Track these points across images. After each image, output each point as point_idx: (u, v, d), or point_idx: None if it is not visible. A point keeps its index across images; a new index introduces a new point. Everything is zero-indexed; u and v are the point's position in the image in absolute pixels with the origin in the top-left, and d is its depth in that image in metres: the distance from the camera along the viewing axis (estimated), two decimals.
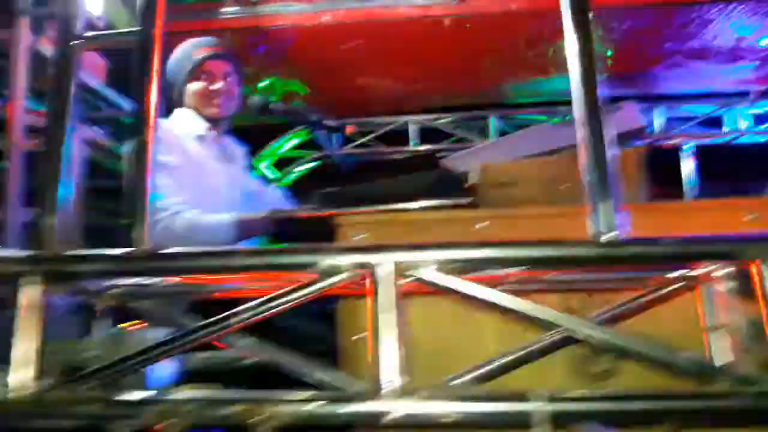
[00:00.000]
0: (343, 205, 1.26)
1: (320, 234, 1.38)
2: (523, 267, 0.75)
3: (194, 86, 2.01)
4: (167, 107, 2.27)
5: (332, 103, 3.58)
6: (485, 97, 3.70)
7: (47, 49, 2.43)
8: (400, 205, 1.25)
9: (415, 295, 1.01)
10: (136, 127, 0.77)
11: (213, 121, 2.05)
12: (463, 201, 1.25)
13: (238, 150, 2.20)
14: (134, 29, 0.80)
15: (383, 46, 3.03)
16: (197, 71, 2.01)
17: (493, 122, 3.75)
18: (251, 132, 2.71)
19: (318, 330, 1.55)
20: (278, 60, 3.04)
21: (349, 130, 1.98)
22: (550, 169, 1.34)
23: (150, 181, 0.75)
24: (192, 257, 0.70)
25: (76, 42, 0.79)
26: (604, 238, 0.69)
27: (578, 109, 0.79)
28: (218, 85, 2.02)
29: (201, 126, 2.00)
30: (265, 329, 0.78)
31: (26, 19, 2.35)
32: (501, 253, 0.71)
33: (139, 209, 0.72)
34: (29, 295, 0.72)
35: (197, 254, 0.70)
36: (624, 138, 1.54)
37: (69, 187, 0.78)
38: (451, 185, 1.34)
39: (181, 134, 1.95)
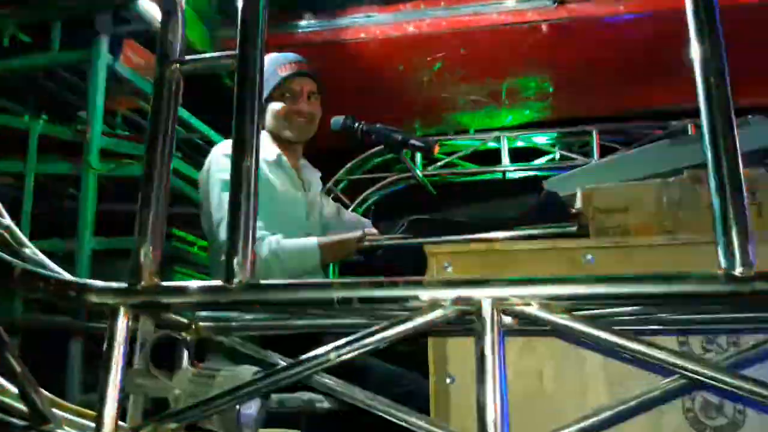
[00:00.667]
0: (434, 233, 1.30)
1: (409, 263, 1.43)
2: (639, 305, 0.76)
3: (276, 106, 2.11)
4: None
5: (416, 120, 3.67)
6: (589, 110, 3.68)
7: (125, 69, 2.63)
8: (497, 234, 1.28)
9: (515, 335, 1.04)
10: (236, 154, 0.86)
11: (289, 145, 2.16)
12: (568, 229, 1.27)
13: (313, 175, 2.30)
14: (233, 52, 0.88)
15: (473, 57, 3.10)
16: (280, 90, 2.11)
17: (595, 138, 3.71)
18: (323, 153, 2.84)
19: (396, 370, 1.59)
20: (358, 74, 3.17)
21: (435, 149, 2.03)
22: (669, 193, 1.33)
23: (253, 208, 0.83)
24: (290, 289, 0.77)
25: (176, 65, 0.88)
26: (737, 272, 0.69)
27: (706, 121, 0.79)
28: (302, 105, 2.12)
29: (273, 151, 2.11)
30: (339, 368, 0.83)
31: (105, 38, 2.52)
32: (614, 288, 0.73)
33: (237, 237, 0.79)
34: (123, 328, 0.80)
35: (296, 286, 0.77)
36: (752, 157, 1.50)
37: (164, 216, 0.87)
38: (554, 211, 1.35)
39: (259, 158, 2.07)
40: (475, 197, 1.41)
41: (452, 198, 3.24)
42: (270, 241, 1.85)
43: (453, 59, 3.13)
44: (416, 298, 0.73)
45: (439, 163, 3.85)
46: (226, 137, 2.79)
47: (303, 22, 2.95)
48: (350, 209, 3.64)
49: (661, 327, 1.00)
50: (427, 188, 2.36)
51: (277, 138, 2.15)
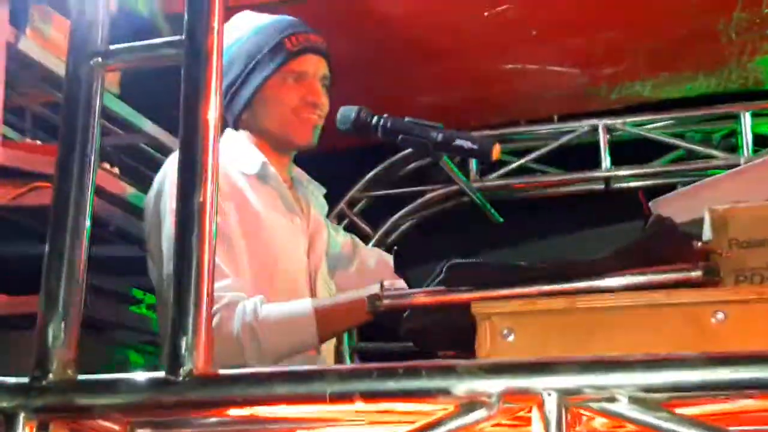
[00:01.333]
0: (487, 283, 1.31)
1: (449, 330, 1.44)
2: None
3: (279, 93, 2.15)
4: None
5: (468, 106, 3.70)
6: (723, 83, 3.66)
7: (33, 47, 2.70)
8: (580, 284, 1.29)
9: None
10: (184, 184, 0.90)
11: (281, 151, 2.20)
12: (690, 274, 1.27)
13: (314, 192, 2.33)
14: (177, 38, 0.92)
15: (547, 11, 3.11)
16: (285, 70, 2.15)
17: (745, 123, 3.68)
18: (331, 157, 2.87)
19: None
20: (379, 41, 3.20)
21: (495, 151, 2.05)
22: None
23: (208, 260, 0.86)
24: (261, 382, 0.80)
25: (96, 59, 0.93)
26: None
27: None
28: (317, 95, 2.17)
29: (256, 160, 2.15)
30: None
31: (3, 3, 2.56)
32: (747, 373, 0.75)
33: (185, 307, 0.83)
34: None
35: (269, 377, 0.80)
36: None
37: (82, 269, 0.91)
38: (668, 246, 1.36)
39: (234, 172, 2.11)
40: (559, 223, 1.40)
41: (525, 223, 3.24)
42: (244, 309, 1.87)
43: (523, 8, 3.15)
44: (447, 392, 0.75)
45: (504, 169, 3.85)
46: None
47: None
48: (371, 243, 3.68)
49: None
50: (484, 209, 2.37)
51: (268, 141, 2.20)
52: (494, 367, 0.79)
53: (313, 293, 2.12)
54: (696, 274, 1.26)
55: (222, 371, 0.81)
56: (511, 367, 0.78)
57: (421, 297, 1.37)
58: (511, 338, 1.26)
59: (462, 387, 0.77)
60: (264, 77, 2.13)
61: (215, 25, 0.90)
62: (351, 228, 3.78)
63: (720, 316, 1.21)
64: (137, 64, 0.95)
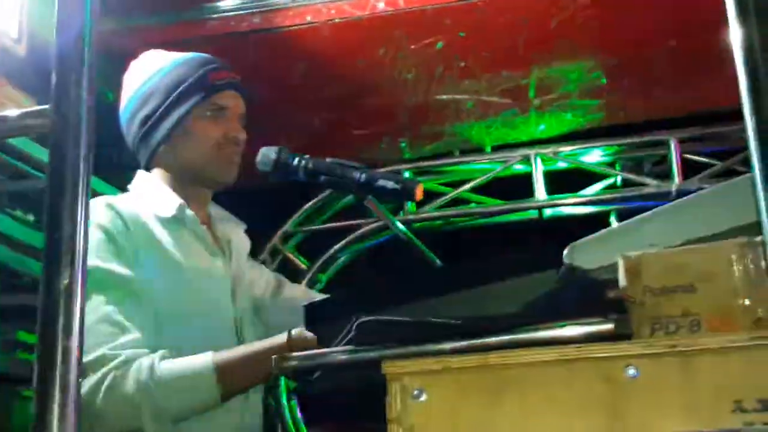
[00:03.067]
0: (398, 339, 1.28)
1: (363, 390, 1.40)
2: None
3: (203, 128, 2.13)
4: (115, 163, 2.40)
5: (402, 137, 3.68)
6: (662, 110, 3.68)
7: None
8: (492, 339, 1.26)
9: None
10: (48, 258, 0.84)
11: (197, 190, 2.16)
12: (601, 327, 1.25)
13: (234, 230, 2.28)
14: (44, 107, 0.88)
15: (481, 38, 3.10)
16: (207, 104, 2.13)
17: (674, 150, 3.71)
18: (263, 193, 2.82)
19: None
20: (300, 81, 3.18)
21: (418, 192, 2.03)
22: (756, 259, 1.32)
23: (75, 349, 0.81)
24: None
25: None
26: None
27: None
28: (237, 130, 2.15)
29: (171, 202, 2.09)
30: None
31: None
32: None
33: (50, 362, 0.78)
34: None
35: None
36: None
37: None
38: (580, 296, 1.34)
39: (149, 218, 2.05)
40: (483, 269, 1.38)
41: (454, 256, 3.23)
42: (140, 367, 1.81)
43: (452, 44, 3.15)
44: None
45: (439, 200, 3.83)
46: (114, 183, 2.78)
47: (220, 4, 2.97)
48: (306, 278, 3.62)
49: None
50: (414, 246, 2.34)
51: (188, 177, 2.15)
52: None
53: (240, 338, 2.07)
54: (607, 327, 1.25)
55: None
56: None
57: (331, 356, 1.33)
58: (422, 398, 1.23)
59: None
60: (187, 109, 2.10)
61: (83, 94, 0.85)
62: (285, 263, 3.72)
63: (631, 371, 1.19)
64: (5, 134, 0.90)
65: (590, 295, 1.33)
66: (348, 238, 3.71)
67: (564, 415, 1.19)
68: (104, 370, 1.78)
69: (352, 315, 1.32)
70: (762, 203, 0.94)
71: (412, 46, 3.10)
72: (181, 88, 2.11)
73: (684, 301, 1.31)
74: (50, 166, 0.86)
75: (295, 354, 1.35)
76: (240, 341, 2.05)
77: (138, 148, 2.15)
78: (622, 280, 1.34)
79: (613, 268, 1.38)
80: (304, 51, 3.03)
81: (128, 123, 2.15)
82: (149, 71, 2.14)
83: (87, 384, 1.78)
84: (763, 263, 1.31)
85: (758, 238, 1.36)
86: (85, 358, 1.78)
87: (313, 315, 1.44)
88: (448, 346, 1.26)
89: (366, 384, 1.34)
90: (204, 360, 1.84)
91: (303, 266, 3.76)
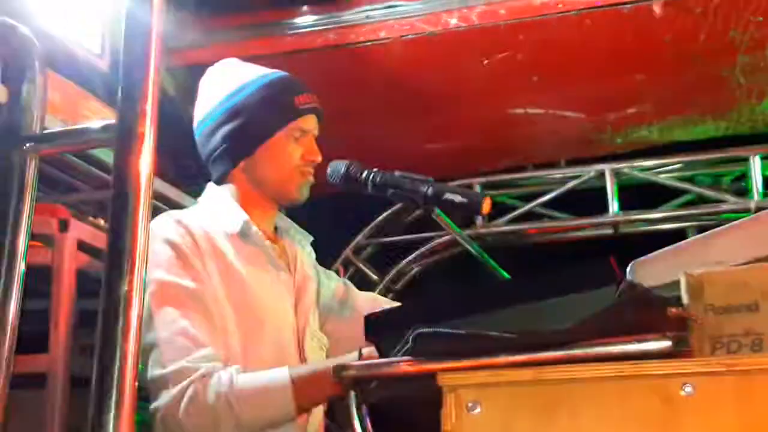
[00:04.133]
0: (454, 353, 1.29)
1: (415, 403, 1.41)
2: None
3: (285, 150, 2.14)
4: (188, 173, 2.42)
5: (472, 154, 3.69)
6: (732, 126, 3.63)
7: None
8: (547, 354, 1.26)
9: None
10: (111, 264, 0.88)
11: (265, 205, 2.19)
12: (658, 344, 1.24)
13: (301, 241, 2.30)
14: (110, 122, 0.92)
15: (548, 57, 3.11)
16: (292, 128, 2.14)
17: (754, 166, 3.64)
18: (337, 206, 2.85)
19: None
20: (373, 96, 3.21)
21: (486, 206, 2.03)
22: None
23: (133, 351, 0.85)
24: None
25: (31, 144, 0.92)
26: None
27: None
28: (315, 153, 2.16)
29: (237, 218, 2.12)
30: None
31: None
32: None
33: (105, 401, 0.81)
34: None
35: None
36: None
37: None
38: (641, 314, 1.33)
39: (216, 232, 2.09)
40: (549, 281, 1.38)
41: (523, 270, 3.22)
42: (219, 379, 1.82)
43: (522, 57, 3.16)
44: None
45: (512, 214, 3.83)
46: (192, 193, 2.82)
47: (297, 20, 3.03)
48: (378, 289, 3.65)
49: None
50: (483, 260, 2.34)
51: (263, 191, 2.17)
52: None
53: (301, 350, 2.09)
54: (665, 344, 1.23)
55: None
56: None
57: (388, 367, 1.34)
58: (476, 411, 1.24)
59: None
60: (274, 130, 2.13)
61: (147, 109, 0.89)
62: (357, 275, 3.76)
63: (688, 389, 1.17)
64: (71, 149, 0.94)
65: (650, 313, 1.31)
66: (419, 251, 3.73)
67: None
68: (185, 382, 1.81)
69: (411, 326, 1.33)
70: None
71: (485, 61, 3.11)
72: (270, 108, 2.14)
73: (747, 319, 1.29)
74: (114, 177, 0.90)
75: (353, 363, 1.37)
76: (301, 352, 2.07)
77: (215, 161, 2.17)
78: (684, 298, 1.33)
79: (677, 285, 1.37)
80: (378, 66, 3.06)
81: (209, 135, 2.16)
82: (234, 85, 2.16)
83: (168, 395, 1.81)
84: None
85: None
86: (165, 370, 1.84)
87: (371, 325, 1.46)
88: (503, 359, 1.26)
89: (423, 396, 1.34)
90: (281, 375, 1.86)
91: (375, 278, 3.78)
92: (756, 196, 3.60)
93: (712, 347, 1.29)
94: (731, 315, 1.30)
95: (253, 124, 2.13)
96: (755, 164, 3.66)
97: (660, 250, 1.54)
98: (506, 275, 2.22)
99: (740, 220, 1.52)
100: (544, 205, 3.87)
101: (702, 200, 3.78)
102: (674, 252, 1.56)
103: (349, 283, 2.43)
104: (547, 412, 1.21)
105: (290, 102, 2.14)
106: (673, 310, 1.32)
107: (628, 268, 1.46)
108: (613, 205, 3.74)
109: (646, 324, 1.30)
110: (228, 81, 2.19)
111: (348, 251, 3.78)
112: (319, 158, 2.16)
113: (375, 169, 2.12)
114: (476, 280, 2.82)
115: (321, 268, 2.38)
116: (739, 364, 1.19)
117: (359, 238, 3.82)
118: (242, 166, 2.15)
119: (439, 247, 3.74)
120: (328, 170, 2.13)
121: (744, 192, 3.72)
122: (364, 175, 2.11)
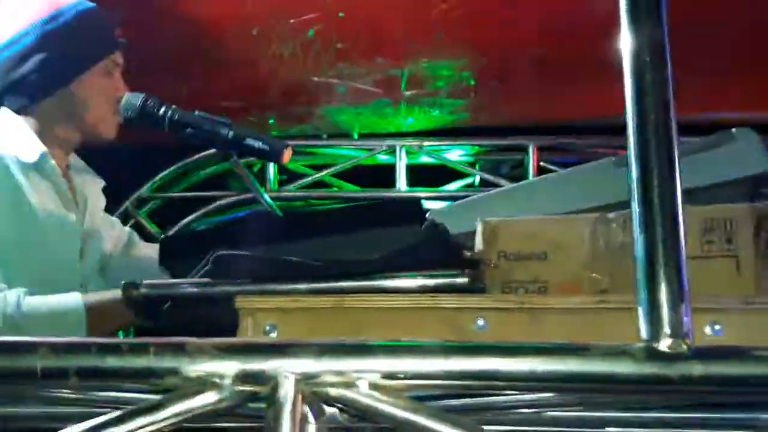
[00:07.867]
0: (255, 276, 1.27)
1: (211, 327, 1.38)
2: (516, 389, 0.75)
3: (99, 83, 2.07)
4: None
5: (271, 113, 3.65)
6: (525, 117, 3.78)
7: None
8: (349, 283, 1.27)
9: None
10: None
11: (62, 143, 2.09)
12: (456, 280, 1.28)
13: (92, 185, 2.22)
14: None
15: (360, 24, 3.11)
16: (108, 61, 2.08)
17: (532, 156, 3.82)
18: (121, 153, 2.74)
19: None
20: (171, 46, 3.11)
21: (286, 155, 2.02)
22: (609, 234, 1.37)
23: None
24: None
25: None
26: (662, 346, 0.70)
27: (632, 131, 0.82)
28: (124, 91, 2.09)
29: (35, 148, 2.02)
30: None
31: None
32: (490, 364, 0.72)
33: None
34: None
35: None
36: (735, 188, 1.58)
37: None
38: (439, 254, 1.36)
39: (10, 160, 1.97)
40: (337, 228, 1.39)
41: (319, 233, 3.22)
42: (5, 299, 1.76)
43: (329, 25, 3.15)
44: (175, 372, 0.69)
45: (302, 181, 3.82)
46: None
47: None
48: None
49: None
50: (276, 215, 2.34)
51: (70, 130, 2.09)
52: (229, 347, 0.73)
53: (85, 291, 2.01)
54: (461, 280, 1.28)
55: None
56: (248, 349, 0.73)
57: (182, 288, 1.31)
58: (273, 335, 1.22)
59: (192, 368, 0.70)
60: (92, 61, 2.06)
61: None
62: (137, 229, 3.61)
63: (480, 322, 1.22)
64: None
65: (449, 253, 1.35)
66: (205, 209, 3.64)
67: None
68: None
69: (210, 250, 1.31)
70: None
71: (291, 21, 3.08)
72: (88, 39, 2.06)
73: (535, 267, 1.36)
74: None
75: (145, 282, 1.32)
76: None
77: (19, 90, 2.04)
78: (479, 243, 1.37)
79: (472, 234, 1.41)
80: (179, 14, 2.97)
81: (16, 61, 2.01)
82: (48, 10, 2.03)
83: None
84: (613, 239, 1.36)
85: (611, 215, 1.42)
86: None
87: (168, 248, 1.41)
88: (304, 286, 1.27)
89: (217, 320, 1.32)
90: (74, 299, 1.81)
91: (155, 234, 3.65)
92: None
93: (501, 291, 1.35)
94: (522, 262, 1.37)
95: (70, 55, 2.02)
96: (533, 153, 3.84)
97: (457, 202, 1.58)
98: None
99: (532, 179, 1.59)
100: (335, 176, 3.89)
101: (483, 184, 3.92)
102: (469, 204, 1.62)
103: (134, 232, 2.37)
104: (343, 334, 1.22)
105: (109, 33, 2.09)
106: (468, 253, 1.37)
107: (436, 212, 1.49)
108: (401, 182, 3.81)
109: (443, 262, 1.35)
110: (40, 4, 2.05)
111: (128, 203, 3.62)
112: (122, 92, 2.10)
113: (174, 106, 2.06)
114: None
115: (106, 215, 2.31)
116: (528, 302, 1.25)
117: (142, 191, 3.67)
118: (53, 99, 2.05)
119: (225, 207, 3.67)
120: (122, 102, 2.05)
121: (520, 179, 3.87)
122: (161, 110, 2.05)
